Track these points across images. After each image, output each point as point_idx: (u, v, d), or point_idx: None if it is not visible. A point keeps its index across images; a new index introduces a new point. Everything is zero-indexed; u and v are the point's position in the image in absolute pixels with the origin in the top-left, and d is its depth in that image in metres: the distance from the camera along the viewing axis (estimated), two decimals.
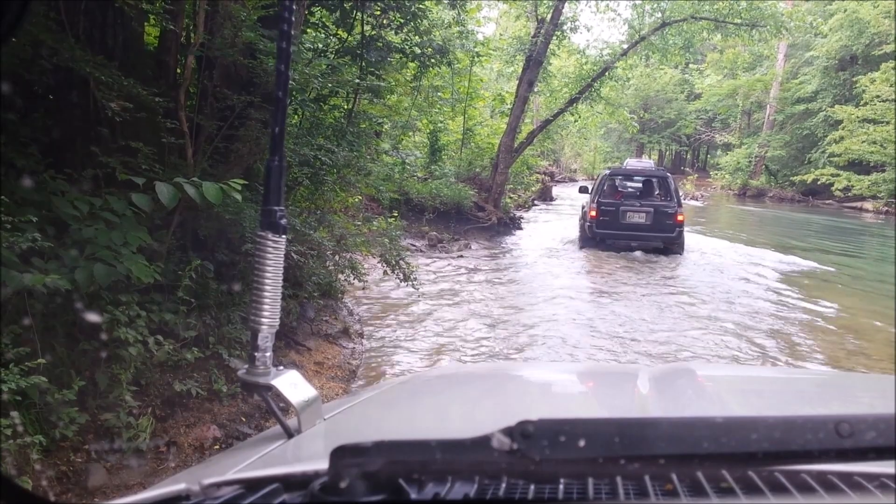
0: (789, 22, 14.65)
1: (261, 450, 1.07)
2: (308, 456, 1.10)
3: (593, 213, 11.48)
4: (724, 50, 33.69)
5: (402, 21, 7.15)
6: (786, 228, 19.51)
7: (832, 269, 11.31)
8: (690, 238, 12.82)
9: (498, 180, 13.91)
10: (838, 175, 26.62)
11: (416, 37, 7.72)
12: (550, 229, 14.64)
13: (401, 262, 5.99)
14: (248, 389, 1.14)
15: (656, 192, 12.19)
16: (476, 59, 14.62)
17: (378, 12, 6.57)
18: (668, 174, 12.60)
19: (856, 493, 0.70)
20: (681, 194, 12.54)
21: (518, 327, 6.46)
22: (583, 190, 13.63)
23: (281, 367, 1.16)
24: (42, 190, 3.04)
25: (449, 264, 9.86)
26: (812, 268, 11.28)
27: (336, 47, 6.50)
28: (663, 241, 11.39)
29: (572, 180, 35.46)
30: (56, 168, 3.21)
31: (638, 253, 11.28)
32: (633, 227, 11.42)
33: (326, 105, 5.86)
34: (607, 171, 12.95)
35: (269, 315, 1.14)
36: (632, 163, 13.35)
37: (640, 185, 12.68)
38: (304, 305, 5.34)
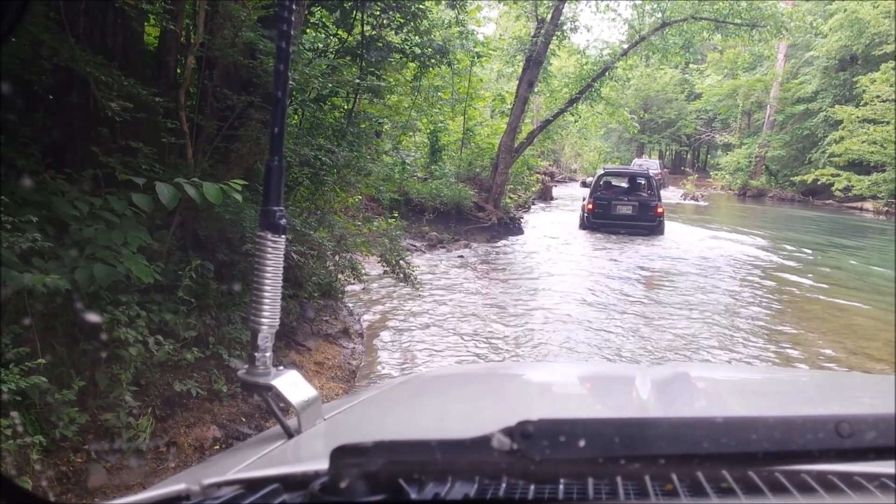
0: (789, 22, 14.66)
1: (261, 450, 1.07)
2: (308, 456, 1.10)
3: (590, 206, 14.03)
4: (725, 50, 33.67)
5: (402, 21, 7.15)
6: (783, 223, 20.38)
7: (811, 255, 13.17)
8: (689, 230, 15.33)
9: (498, 180, 13.90)
10: (838, 175, 26.60)
11: (416, 37, 7.72)
12: (550, 229, 14.65)
13: (401, 262, 5.99)
14: (248, 389, 1.14)
15: (641, 189, 14.56)
16: (476, 59, 14.58)
17: (378, 12, 6.58)
18: (651, 175, 15.40)
19: (856, 493, 0.70)
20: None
21: (517, 325, 6.47)
22: (584, 185, 15.93)
23: (281, 367, 1.16)
24: (42, 190, 3.04)
25: (449, 264, 9.86)
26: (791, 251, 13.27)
27: (336, 47, 6.50)
28: (646, 228, 13.71)
29: (572, 180, 35.37)
30: (56, 168, 3.21)
31: (630, 239, 13.13)
32: (622, 217, 13.81)
33: (326, 105, 5.86)
34: (602, 171, 15.52)
35: (269, 315, 1.14)
36: (639, 162, 15.14)
37: (628, 182, 15.30)
38: (304, 305, 5.34)
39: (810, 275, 10.58)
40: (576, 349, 5.86)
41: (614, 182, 15.27)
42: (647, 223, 13.64)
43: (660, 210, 13.87)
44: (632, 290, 8.49)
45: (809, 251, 13.51)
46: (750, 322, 7.16)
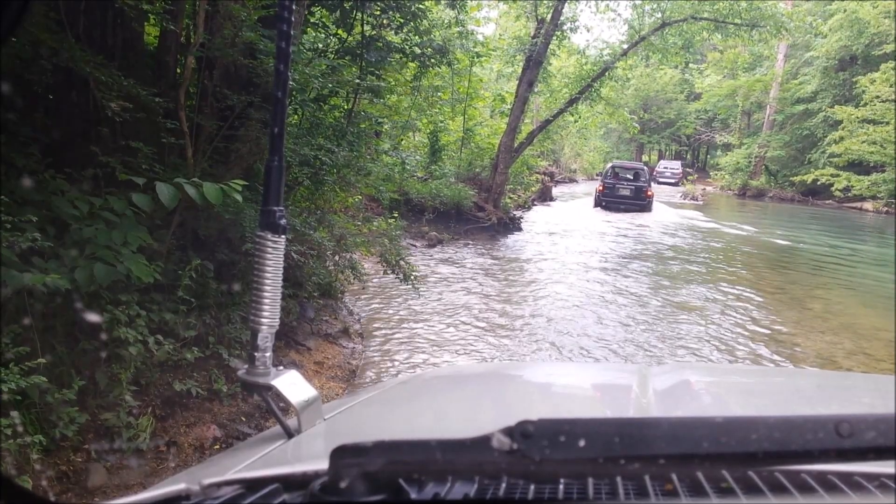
0: (789, 22, 14.65)
1: (261, 450, 1.07)
2: (308, 456, 1.10)
3: (600, 188, 20.32)
4: (725, 50, 33.64)
5: (402, 21, 7.14)
6: (779, 219, 21.61)
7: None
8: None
9: (498, 180, 13.89)
10: (838, 175, 26.60)
11: (416, 37, 7.71)
12: (549, 228, 14.65)
13: (401, 262, 5.98)
14: (248, 389, 1.14)
15: (638, 177, 20.50)
16: (476, 59, 14.57)
17: (378, 12, 6.57)
18: (646, 167, 22.84)
19: (856, 493, 0.70)
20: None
21: (516, 323, 6.47)
22: (599, 175, 23.82)
23: (281, 367, 1.16)
24: (42, 190, 3.04)
25: (448, 263, 9.86)
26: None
27: (336, 47, 6.49)
28: (639, 205, 19.41)
29: (572, 180, 35.38)
30: (56, 168, 3.21)
31: (624, 236, 14.62)
32: (623, 197, 19.66)
33: (326, 105, 5.86)
34: (611, 165, 22.08)
35: (269, 315, 1.14)
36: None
37: (629, 172, 21.19)
38: (304, 305, 5.34)
39: (805, 269, 10.81)
40: (574, 344, 5.87)
41: (619, 172, 21.16)
42: (639, 201, 19.46)
43: (649, 193, 19.88)
44: (625, 287, 8.49)
45: (803, 244, 14.67)
46: (747, 320, 7.17)
